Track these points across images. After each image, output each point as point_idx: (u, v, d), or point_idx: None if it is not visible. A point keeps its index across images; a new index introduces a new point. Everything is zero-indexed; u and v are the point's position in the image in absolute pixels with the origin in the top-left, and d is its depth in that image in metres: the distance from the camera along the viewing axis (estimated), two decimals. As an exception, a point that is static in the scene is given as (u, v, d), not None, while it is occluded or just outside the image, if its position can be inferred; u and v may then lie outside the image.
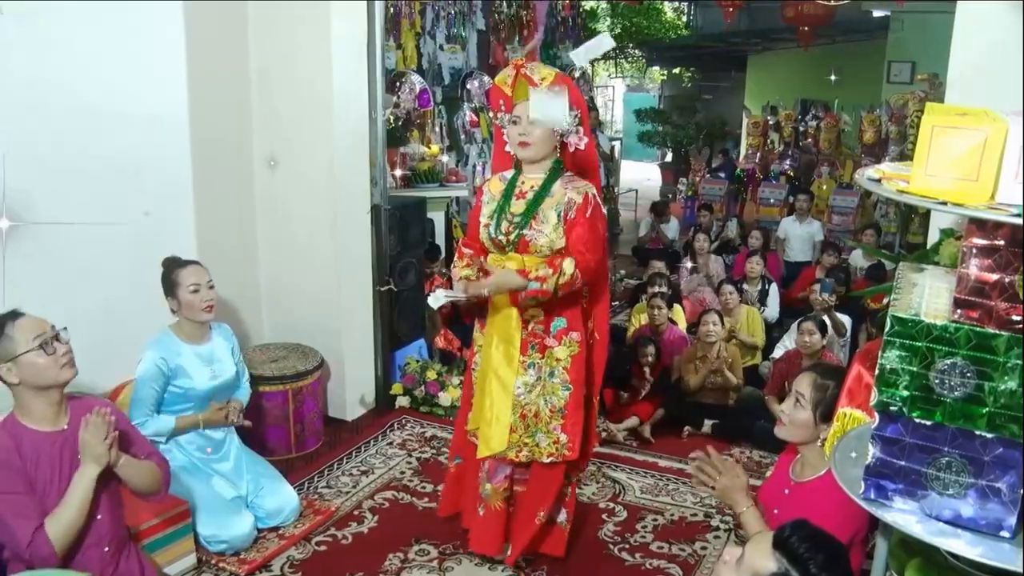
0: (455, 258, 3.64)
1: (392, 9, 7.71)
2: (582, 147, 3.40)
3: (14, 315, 2.88)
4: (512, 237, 3.36)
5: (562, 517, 3.73)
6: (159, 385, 3.89)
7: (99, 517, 2.93)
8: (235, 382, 4.19)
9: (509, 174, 3.50)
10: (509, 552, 3.69)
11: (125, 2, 4.09)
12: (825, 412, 3.00)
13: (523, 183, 3.42)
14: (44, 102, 3.83)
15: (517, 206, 3.39)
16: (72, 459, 2.87)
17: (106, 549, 2.96)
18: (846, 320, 5.89)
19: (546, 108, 3.21)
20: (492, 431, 3.47)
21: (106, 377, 4.16)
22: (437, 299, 3.37)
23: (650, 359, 5.49)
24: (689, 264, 7.94)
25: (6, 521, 2.71)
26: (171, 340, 3.96)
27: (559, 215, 3.30)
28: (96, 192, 4.06)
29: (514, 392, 3.45)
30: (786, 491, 3.06)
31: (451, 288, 3.54)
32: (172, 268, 3.99)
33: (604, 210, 3.42)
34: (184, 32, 4.40)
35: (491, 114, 3.46)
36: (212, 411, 4.02)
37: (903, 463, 2.03)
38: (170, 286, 3.96)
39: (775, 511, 3.01)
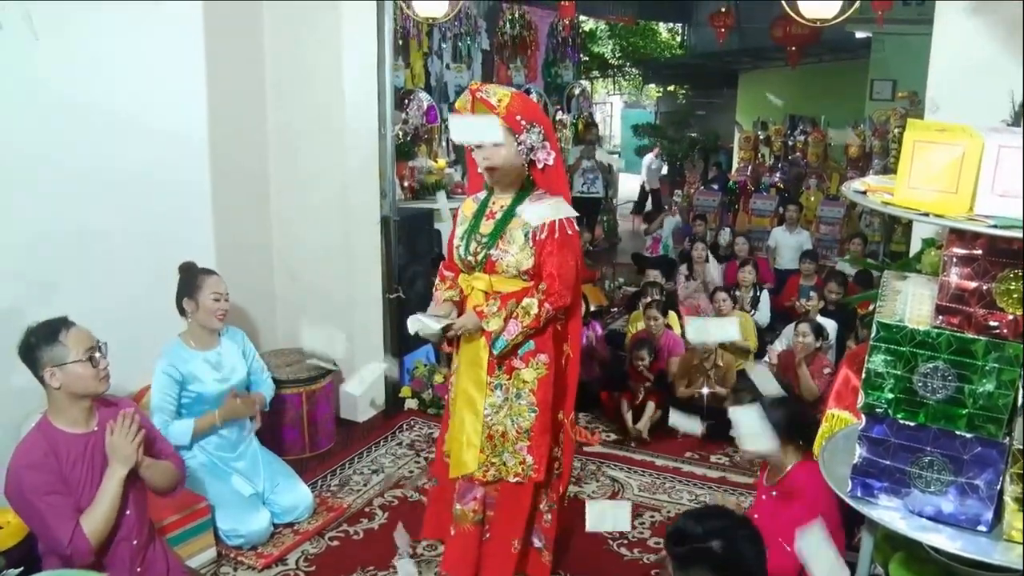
0: (437, 281, 3.51)
1: (401, 30, 7.75)
2: (551, 162, 3.27)
3: (67, 323, 2.89)
4: (480, 257, 3.24)
5: (539, 543, 3.52)
6: (174, 392, 3.91)
7: (128, 513, 2.95)
8: (246, 383, 4.20)
9: (482, 195, 3.37)
10: None
11: (149, 22, 4.12)
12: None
13: (494, 203, 3.30)
14: (72, 114, 3.85)
15: (486, 227, 3.26)
16: (103, 459, 2.89)
17: (134, 543, 2.98)
18: (829, 325, 5.88)
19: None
20: (464, 452, 3.34)
21: (130, 379, 4.17)
22: (413, 324, 3.24)
23: (645, 362, 5.48)
24: (685, 272, 7.93)
25: (47, 521, 2.73)
26: (181, 348, 3.97)
27: (527, 235, 3.17)
28: (119, 203, 4.08)
29: (482, 413, 3.32)
30: (763, 497, 3.13)
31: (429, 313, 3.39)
32: (196, 273, 4.01)
33: (574, 229, 3.26)
34: (204, 52, 4.43)
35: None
36: (227, 402, 3.99)
37: (888, 462, 2.04)
38: (192, 289, 3.97)
39: (755, 516, 3.12)
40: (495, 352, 3.20)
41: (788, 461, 3.17)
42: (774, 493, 3.19)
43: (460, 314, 3.35)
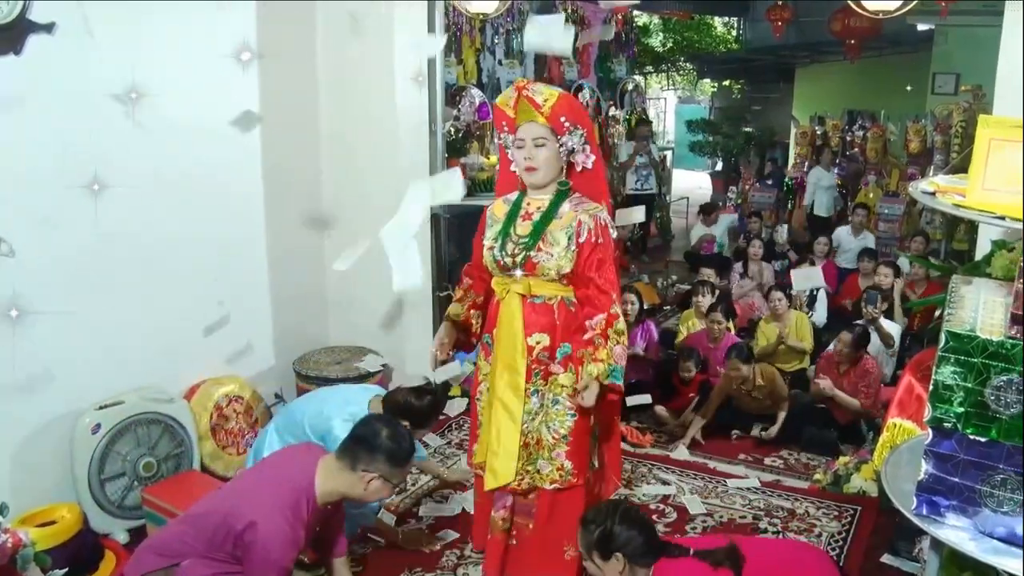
0: (456, 287, 3.48)
1: (454, 27, 7.69)
2: (589, 166, 3.17)
3: (413, 445, 3.09)
4: (519, 259, 3.12)
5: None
6: None
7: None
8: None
9: (513, 196, 3.26)
10: None
11: (202, 24, 4.11)
12: (603, 550, 2.81)
13: (529, 204, 3.19)
14: (124, 116, 3.84)
15: (523, 227, 3.15)
16: (314, 530, 3.05)
17: None
18: (894, 329, 5.68)
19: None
20: (499, 462, 3.22)
21: (180, 378, 4.18)
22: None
23: (691, 373, 5.36)
24: (740, 270, 7.76)
25: None
26: None
27: (569, 237, 3.07)
28: (171, 205, 4.07)
29: (520, 421, 3.20)
30: None
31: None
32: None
33: (614, 234, 3.19)
34: (256, 53, 4.40)
35: (497, 136, 3.25)
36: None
37: (957, 480, 1.92)
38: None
39: None
40: (618, 383, 3.05)
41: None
42: None
43: (468, 334, 3.39)
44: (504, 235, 3.17)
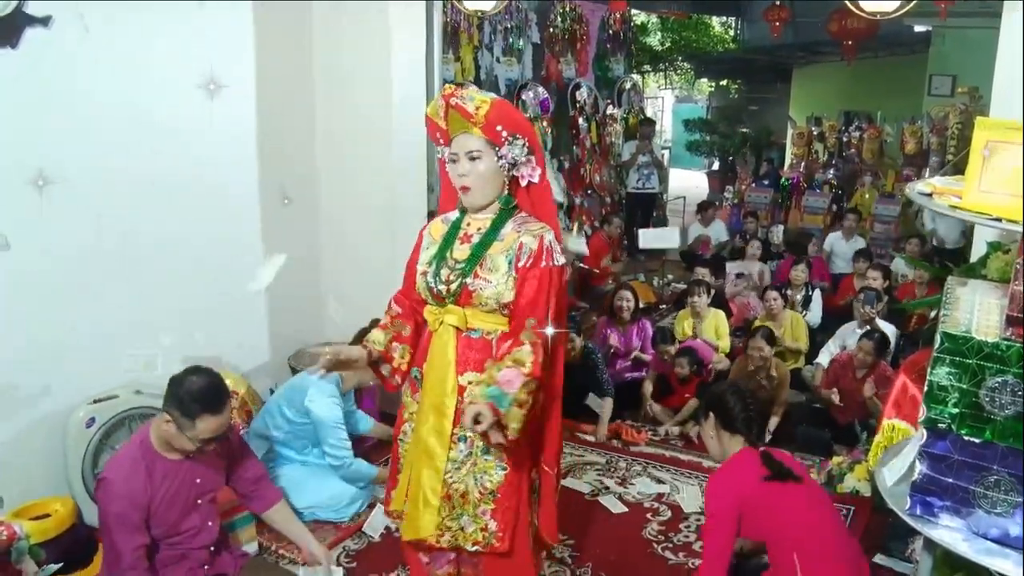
0: (383, 318, 2.96)
1: (452, 23, 7.70)
2: (535, 179, 2.75)
3: (216, 407, 2.98)
4: (453, 287, 2.67)
5: None
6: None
7: (210, 524, 3.19)
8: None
9: (453, 216, 2.83)
10: None
11: (198, 25, 4.10)
12: (704, 408, 3.27)
13: (468, 225, 2.77)
14: (119, 117, 3.84)
15: (461, 251, 2.72)
16: (187, 488, 3.09)
17: (212, 549, 3.23)
18: (890, 331, 5.68)
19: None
20: (419, 513, 2.76)
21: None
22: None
23: (684, 371, 5.40)
24: (736, 269, 7.76)
25: (115, 544, 2.91)
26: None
27: (510, 262, 2.64)
28: (167, 205, 4.06)
29: (442, 470, 2.75)
30: None
31: None
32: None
33: (562, 259, 2.72)
34: (253, 53, 4.39)
35: (437, 150, 2.79)
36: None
37: (951, 480, 1.92)
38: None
39: None
40: (504, 411, 2.48)
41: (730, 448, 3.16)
42: None
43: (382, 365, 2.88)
44: (439, 259, 2.75)
